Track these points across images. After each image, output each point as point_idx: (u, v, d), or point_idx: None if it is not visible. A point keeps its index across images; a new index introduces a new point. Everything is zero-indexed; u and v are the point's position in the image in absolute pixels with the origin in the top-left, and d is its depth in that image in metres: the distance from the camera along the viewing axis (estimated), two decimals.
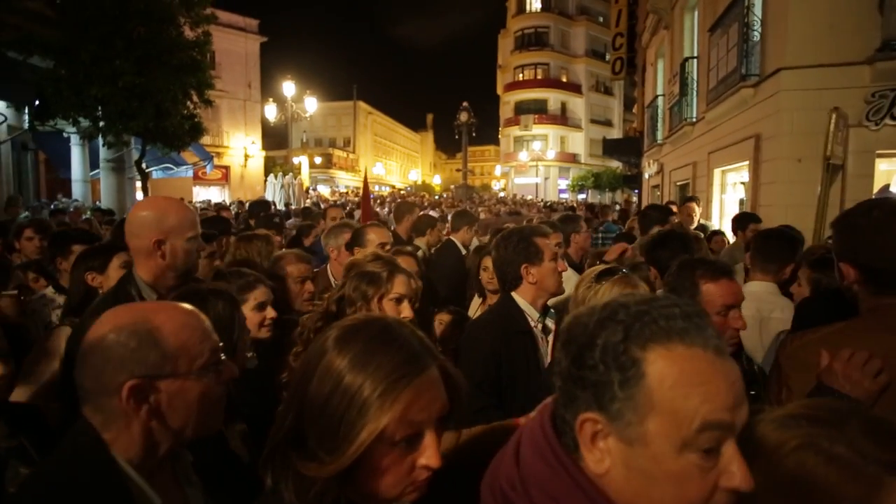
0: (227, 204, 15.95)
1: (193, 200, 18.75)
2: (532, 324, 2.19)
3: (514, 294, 2.21)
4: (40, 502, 0.93)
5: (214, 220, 4.25)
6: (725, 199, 9.76)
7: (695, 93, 10.72)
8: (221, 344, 1.11)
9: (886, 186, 6.87)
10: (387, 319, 0.95)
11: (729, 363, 0.75)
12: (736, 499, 0.72)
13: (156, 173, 15.88)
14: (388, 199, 24.81)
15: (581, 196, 38.27)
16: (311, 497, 0.83)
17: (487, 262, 3.32)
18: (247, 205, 12.55)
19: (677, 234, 2.56)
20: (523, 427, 0.89)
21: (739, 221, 5.08)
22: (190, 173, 18.60)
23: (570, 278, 3.39)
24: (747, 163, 7.83)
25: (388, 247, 2.83)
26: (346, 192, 37.87)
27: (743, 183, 8.59)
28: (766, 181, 7.19)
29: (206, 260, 3.03)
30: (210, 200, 20.42)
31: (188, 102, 10.64)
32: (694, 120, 10.75)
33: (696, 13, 11.33)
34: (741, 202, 8.67)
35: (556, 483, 0.79)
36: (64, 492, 0.91)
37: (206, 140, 22.99)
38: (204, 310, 1.39)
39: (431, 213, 13.75)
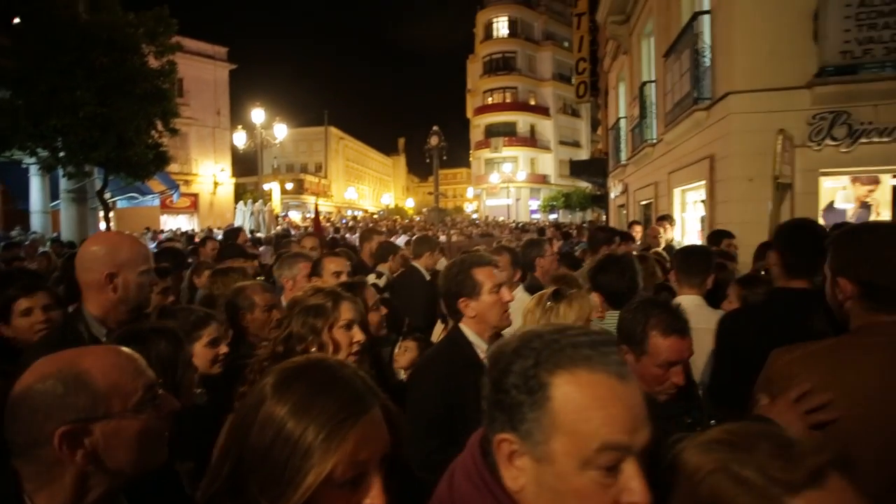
0: (195, 233, 15.70)
1: (161, 229, 18.39)
2: (481, 356, 2.09)
3: (461, 325, 2.15)
4: None
5: (168, 254, 4.18)
6: (686, 217, 10.06)
7: (654, 115, 11.11)
8: (160, 380, 1.10)
9: (831, 204, 7.23)
10: (327, 361, 0.95)
11: (631, 388, 0.81)
12: None
13: (121, 203, 15.57)
14: (359, 225, 24.79)
15: (552, 216, 38.90)
16: None
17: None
18: (218, 235, 12.35)
19: (617, 259, 2.64)
20: (461, 454, 0.93)
21: (713, 238, 5.26)
22: (157, 202, 18.30)
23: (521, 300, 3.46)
24: (704, 182, 8.12)
25: (343, 275, 2.85)
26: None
27: (703, 201, 8.89)
28: (721, 200, 7.46)
29: (158, 296, 3.00)
30: (179, 229, 20.05)
31: (153, 131, 10.53)
32: (654, 141, 11.11)
33: (651, 40, 11.81)
34: (702, 220, 8.96)
35: (479, 500, 0.85)
36: None
37: (174, 168, 22.70)
38: (145, 350, 1.43)
39: (403, 236, 13.83)
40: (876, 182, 7.20)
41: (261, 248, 8.72)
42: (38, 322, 2.38)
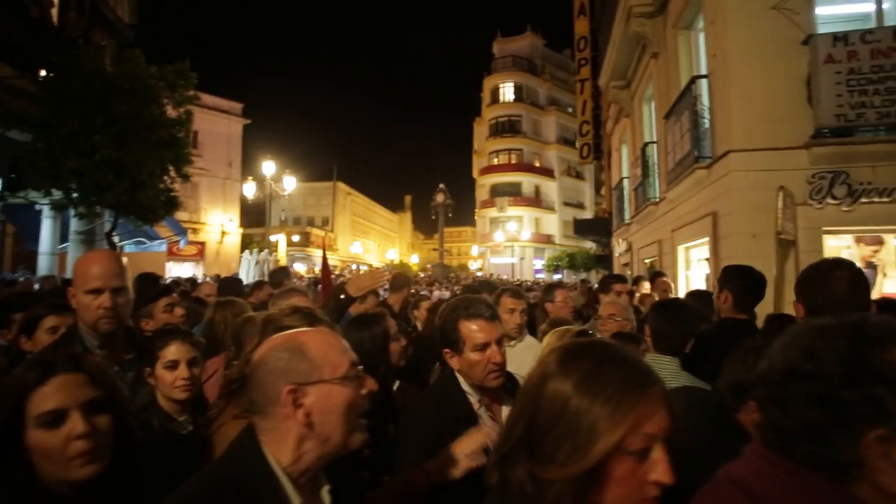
0: (200, 280, 15.72)
1: (166, 276, 18.45)
2: (475, 406, 1.93)
3: (455, 371, 1.98)
4: (199, 495, 1.07)
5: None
6: (690, 275, 10.04)
7: (656, 174, 11.32)
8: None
9: None
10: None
11: None
12: None
13: (128, 247, 15.72)
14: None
15: (556, 276, 38.88)
16: (549, 499, 0.87)
17: (507, 301, 3.34)
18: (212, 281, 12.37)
19: (678, 304, 2.72)
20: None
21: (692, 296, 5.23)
22: (164, 248, 18.45)
23: (532, 347, 3.38)
24: (707, 239, 8.16)
25: None
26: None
27: (707, 259, 8.90)
28: (725, 256, 7.46)
29: (165, 314, 2.99)
30: (180, 277, 20.10)
31: (165, 176, 10.80)
32: (657, 200, 11.27)
33: (652, 103, 12.23)
34: (707, 278, 8.93)
35: None
36: (221, 486, 1.07)
37: (183, 216, 23.09)
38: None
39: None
40: (880, 242, 7.20)
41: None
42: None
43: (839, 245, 7.18)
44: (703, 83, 8.05)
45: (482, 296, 2.15)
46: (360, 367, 1.21)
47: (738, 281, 2.93)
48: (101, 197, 9.57)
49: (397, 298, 5.06)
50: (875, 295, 5.84)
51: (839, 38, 6.42)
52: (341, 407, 1.12)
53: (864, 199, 6.55)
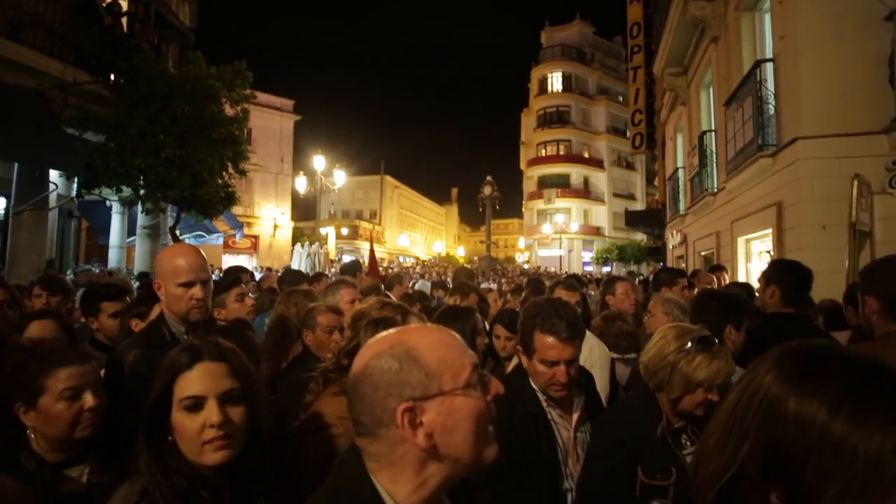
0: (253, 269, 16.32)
1: (222, 267, 19.25)
2: (544, 404, 1.96)
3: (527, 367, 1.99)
4: None
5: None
6: (751, 267, 9.60)
7: (714, 164, 10.87)
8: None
9: None
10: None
11: None
12: None
13: (188, 241, 16.48)
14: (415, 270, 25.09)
15: (605, 269, 38.03)
16: None
17: (499, 330, 3.26)
18: (278, 272, 12.84)
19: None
20: None
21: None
22: (220, 241, 19.26)
23: (587, 340, 3.32)
24: (770, 230, 7.77)
25: (356, 303, 2.96)
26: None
27: (769, 252, 8.48)
28: (791, 248, 7.09)
29: (237, 304, 3.14)
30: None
31: (224, 172, 11.23)
32: (715, 190, 10.82)
33: (710, 90, 11.72)
34: None
35: None
36: None
37: (237, 210, 23.96)
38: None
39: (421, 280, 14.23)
40: None
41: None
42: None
43: None
44: (769, 67, 7.64)
45: (569, 304, 2.06)
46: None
47: (787, 276, 2.90)
48: (166, 193, 10.05)
49: (398, 292, 5.24)
50: None
51: None
52: (469, 420, 0.93)
53: None
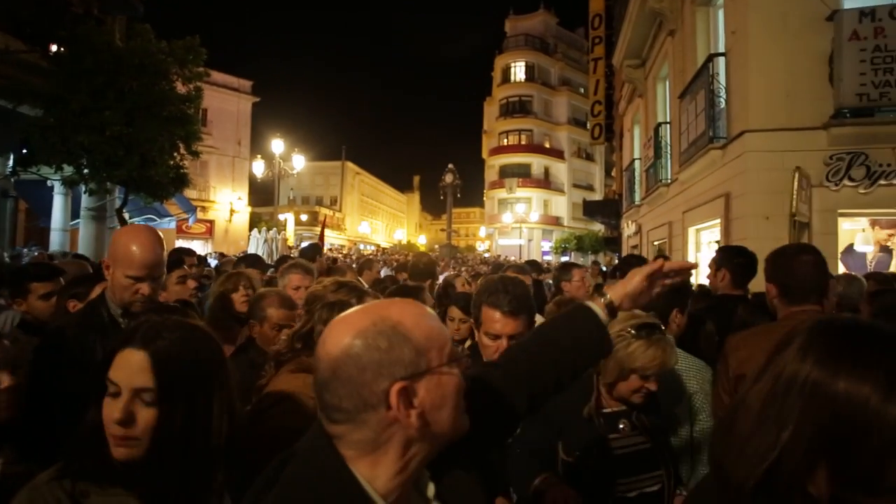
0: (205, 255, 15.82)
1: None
2: None
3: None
4: None
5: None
6: (700, 257, 9.96)
7: (668, 155, 11.18)
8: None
9: (850, 246, 7.11)
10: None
11: None
12: None
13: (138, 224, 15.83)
14: (374, 258, 24.88)
15: (564, 258, 38.79)
16: None
17: (454, 312, 3.30)
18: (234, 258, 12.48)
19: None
20: None
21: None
22: (173, 225, 18.54)
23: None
24: (719, 221, 8.07)
25: (302, 290, 2.95)
26: (331, 250, 37.87)
27: (717, 242, 8.82)
28: (737, 238, 7.38)
29: (178, 286, 3.02)
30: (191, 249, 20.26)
31: (175, 153, 10.79)
32: (668, 181, 11.14)
33: (666, 82, 12.02)
34: None
35: None
36: None
37: (192, 194, 23.13)
38: None
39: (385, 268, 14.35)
40: None
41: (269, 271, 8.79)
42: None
43: (854, 228, 7.09)
44: (721, 61, 7.89)
45: (521, 282, 2.07)
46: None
47: (736, 259, 3.17)
48: (112, 173, 9.58)
49: (368, 277, 5.29)
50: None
51: (866, 13, 6.24)
52: (452, 395, 0.91)
53: (882, 182, 6.44)
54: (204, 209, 26.43)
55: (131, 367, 1.14)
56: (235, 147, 29.46)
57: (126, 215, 11.46)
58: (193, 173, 15.00)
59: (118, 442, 1.13)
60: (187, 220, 18.96)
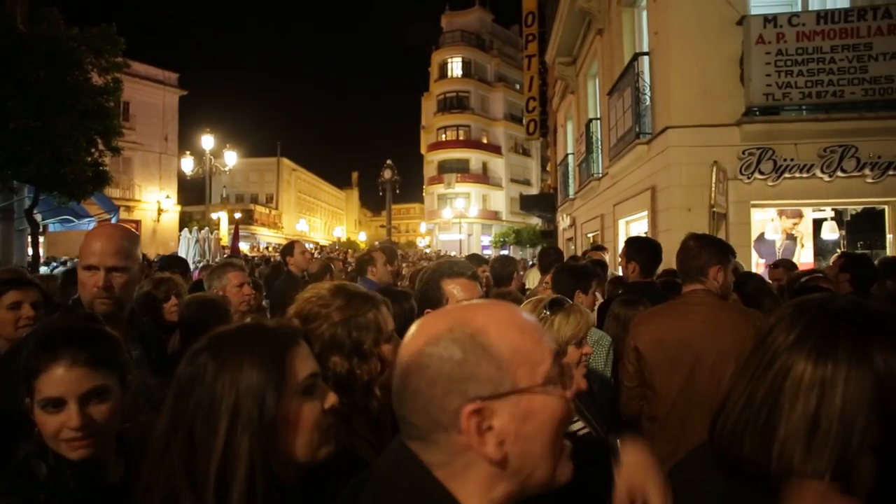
0: None
1: None
2: None
3: None
4: None
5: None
6: None
7: (599, 150, 11.62)
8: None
9: (762, 235, 7.68)
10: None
11: None
12: None
13: (53, 226, 14.68)
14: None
15: (503, 252, 39.51)
16: None
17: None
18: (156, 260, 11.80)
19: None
20: None
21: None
22: (92, 226, 17.34)
23: None
24: (646, 213, 8.49)
25: (245, 287, 3.00)
26: (268, 248, 36.73)
27: (646, 233, 9.27)
28: (662, 229, 7.80)
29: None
30: None
31: (92, 149, 10.08)
32: (599, 175, 11.58)
33: (596, 80, 12.46)
34: None
35: None
36: None
37: (116, 193, 21.73)
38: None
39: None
40: (799, 215, 7.73)
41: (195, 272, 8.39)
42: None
43: (764, 218, 7.66)
44: (646, 60, 8.27)
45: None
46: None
47: (643, 253, 3.50)
48: (18, 170, 8.84)
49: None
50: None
51: (769, 20, 6.74)
52: (549, 426, 0.73)
53: (786, 175, 6.98)
54: (129, 209, 24.92)
55: (73, 375, 1.20)
56: (162, 143, 27.92)
57: (38, 216, 10.61)
58: (115, 171, 14.12)
59: (76, 446, 1.20)
60: (109, 220, 17.79)
